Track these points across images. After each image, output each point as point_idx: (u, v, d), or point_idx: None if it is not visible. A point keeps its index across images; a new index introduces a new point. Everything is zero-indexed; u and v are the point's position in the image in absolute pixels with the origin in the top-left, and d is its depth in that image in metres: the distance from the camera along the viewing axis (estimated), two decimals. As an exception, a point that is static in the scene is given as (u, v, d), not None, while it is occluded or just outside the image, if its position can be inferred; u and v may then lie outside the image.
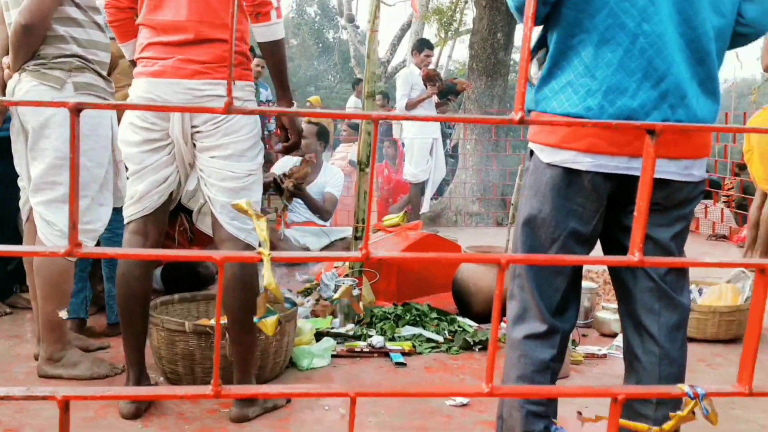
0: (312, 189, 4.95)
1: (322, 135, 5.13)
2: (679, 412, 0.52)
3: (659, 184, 1.56)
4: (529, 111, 1.66)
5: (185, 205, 3.44)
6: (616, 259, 0.51)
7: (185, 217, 3.71)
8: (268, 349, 2.52)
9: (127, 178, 2.22)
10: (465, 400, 2.45)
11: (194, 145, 2.13)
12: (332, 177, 5.05)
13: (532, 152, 1.68)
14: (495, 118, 0.53)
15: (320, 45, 27.21)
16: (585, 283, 3.62)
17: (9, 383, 2.46)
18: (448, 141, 10.05)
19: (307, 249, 4.70)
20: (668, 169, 1.56)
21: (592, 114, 1.53)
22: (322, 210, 4.91)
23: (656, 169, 1.56)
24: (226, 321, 2.22)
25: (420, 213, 6.84)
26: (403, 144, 6.87)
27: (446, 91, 6.80)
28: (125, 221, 2.22)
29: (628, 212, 1.64)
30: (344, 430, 2.23)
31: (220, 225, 2.16)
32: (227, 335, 2.25)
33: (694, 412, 0.50)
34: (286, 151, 2.27)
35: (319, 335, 3.03)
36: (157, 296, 2.85)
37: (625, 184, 1.58)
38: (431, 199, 7.21)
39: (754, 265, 0.49)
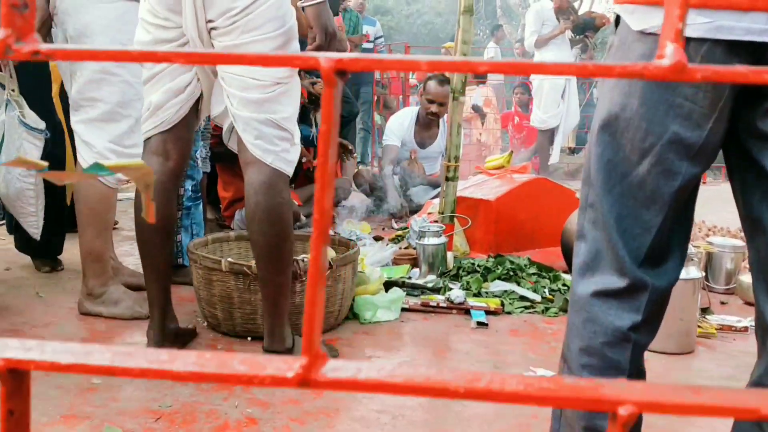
0: (434, 149, 4.58)
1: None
2: None
3: None
4: None
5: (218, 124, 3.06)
6: None
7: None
8: (316, 296, 2.17)
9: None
10: (549, 374, 1.97)
11: (212, 45, 1.78)
12: None
13: (618, 21, 1.15)
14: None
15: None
16: (727, 240, 2.95)
17: (50, 318, 2.30)
18: (593, 88, 9.16)
19: (411, 201, 4.30)
20: None
21: None
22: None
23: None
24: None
25: (548, 164, 6.20)
26: (531, 85, 6.21)
27: (583, 27, 6.05)
28: (143, 137, 1.92)
29: (767, 110, 1.07)
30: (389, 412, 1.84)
31: (243, 145, 1.81)
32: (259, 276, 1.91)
33: None
34: (314, 50, 1.86)
35: (392, 285, 2.63)
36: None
37: (765, 60, 1.03)
38: (566, 151, 6.53)
39: None
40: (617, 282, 1.14)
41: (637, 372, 1.20)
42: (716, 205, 5.05)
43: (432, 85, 4.39)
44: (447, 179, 3.11)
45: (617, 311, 1.15)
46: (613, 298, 1.15)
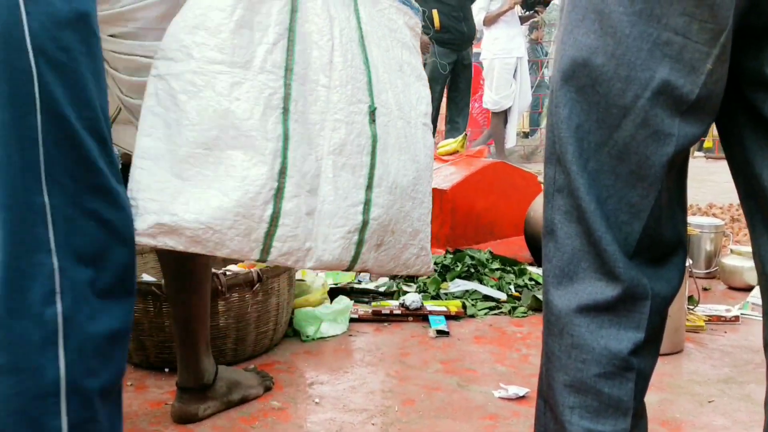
0: None
1: None
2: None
3: None
4: None
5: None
6: None
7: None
8: (245, 314, 1.82)
9: None
10: (522, 391, 1.66)
11: None
12: None
13: None
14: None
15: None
16: (705, 219, 2.70)
17: None
18: (545, 68, 8.98)
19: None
20: None
21: None
22: None
23: None
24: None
25: (505, 148, 5.95)
26: (481, 66, 5.93)
27: (533, 2, 5.79)
28: None
29: None
30: (334, 435, 1.51)
31: None
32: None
33: None
34: None
35: (338, 292, 2.30)
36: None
37: None
38: (521, 134, 6.29)
39: None
40: (608, 290, 0.85)
41: (641, 411, 0.91)
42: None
43: None
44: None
45: (612, 330, 0.86)
46: (605, 313, 0.86)
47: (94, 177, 0.85)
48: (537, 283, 2.47)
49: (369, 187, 1.16)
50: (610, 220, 0.83)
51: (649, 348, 0.89)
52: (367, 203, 1.15)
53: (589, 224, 0.84)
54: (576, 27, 0.82)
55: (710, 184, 4.82)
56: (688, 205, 3.53)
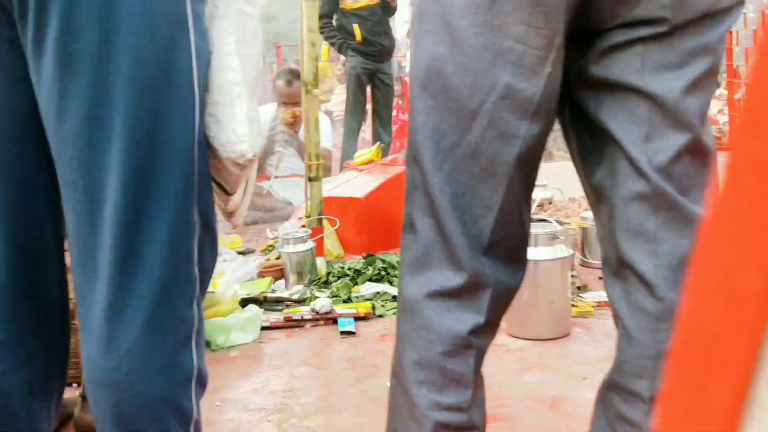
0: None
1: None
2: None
3: None
4: None
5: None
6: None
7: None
8: (150, 327, 1.89)
9: None
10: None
11: None
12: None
13: None
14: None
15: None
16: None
17: None
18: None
19: (289, 203, 4.07)
20: None
21: None
22: None
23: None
24: None
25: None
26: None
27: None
28: None
29: (604, 50, 0.87)
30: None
31: None
32: None
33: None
34: None
35: (251, 302, 2.38)
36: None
37: None
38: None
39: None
40: (454, 278, 0.94)
41: (479, 383, 1.01)
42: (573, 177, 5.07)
43: (279, 85, 4.13)
44: (310, 179, 2.88)
45: (456, 313, 0.95)
46: (450, 298, 0.95)
47: (210, 192, 1.03)
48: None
49: None
50: (465, 214, 0.91)
51: (488, 329, 0.98)
52: None
53: (441, 219, 0.92)
54: (427, 37, 0.89)
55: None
56: (581, 200, 3.66)
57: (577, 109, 0.92)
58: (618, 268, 0.90)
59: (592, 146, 0.92)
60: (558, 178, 4.66)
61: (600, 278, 2.61)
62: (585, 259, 2.76)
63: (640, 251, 0.87)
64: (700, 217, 0.86)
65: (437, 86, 0.88)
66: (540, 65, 0.85)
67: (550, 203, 4.03)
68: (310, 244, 2.70)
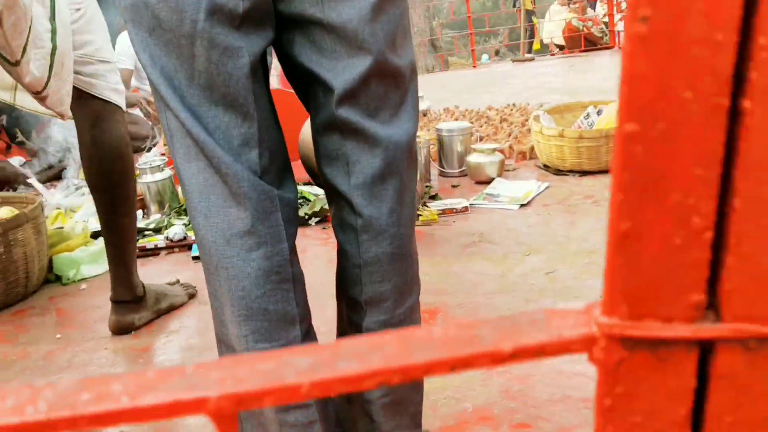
0: None
1: None
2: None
3: None
4: None
5: None
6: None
7: None
8: (-14, 267, 1.89)
9: None
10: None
11: None
12: None
13: None
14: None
15: None
16: (454, 123, 2.97)
17: None
18: None
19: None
20: None
21: None
22: None
23: None
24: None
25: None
26: None
27: None
28: None
29: None
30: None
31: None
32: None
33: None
34: None
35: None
36: None
37: None
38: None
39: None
40: (241, 214, 0.88)
41: (308, 315, 0.97)
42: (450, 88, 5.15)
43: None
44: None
45: (261, 251, 0.90)
46: (247, 237, 0.89)
47: None
48: (307, 200, 2.66)
49: (53, 17, 1.38)
50: (229, 145, 0.88)
51: (294, 253, 0.95)
52: (53, 31, 1.38)
53: (208, 156, 0.87)
54: None
55: (507, 87, 5.16)
56: (465, 110, 3.75)
57: (280, 50, 0.91)
58: (328, 190, 0.95)
59: (299, 82, 0.92)
60: (433, 89, 4.74)
61: (454, 186, 2.74)
62: (443, 169, 2.87)
63: (339, 173, 0.92)
64: (388, 138, 0.90)
65: (150, 20, 0.84)
66: None
67: (425, 115, 4.12)
68: (167, 172, 2.70)
